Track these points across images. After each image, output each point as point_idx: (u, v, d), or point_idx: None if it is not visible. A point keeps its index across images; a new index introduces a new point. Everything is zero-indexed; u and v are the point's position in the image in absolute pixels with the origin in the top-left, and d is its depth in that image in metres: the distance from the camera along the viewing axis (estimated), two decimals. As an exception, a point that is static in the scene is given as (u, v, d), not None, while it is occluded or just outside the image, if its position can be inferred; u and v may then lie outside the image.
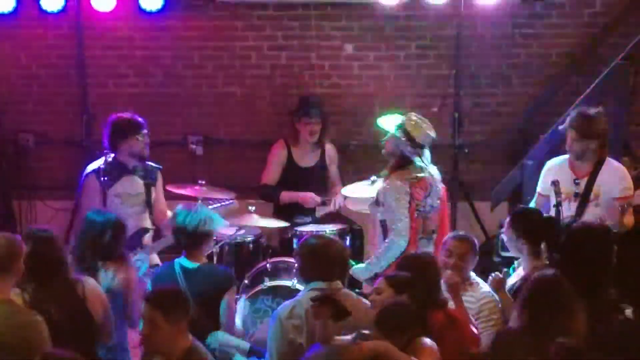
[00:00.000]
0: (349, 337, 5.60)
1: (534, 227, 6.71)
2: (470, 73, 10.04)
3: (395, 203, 7.29)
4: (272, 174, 9.20)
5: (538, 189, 7.85)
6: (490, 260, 8.78)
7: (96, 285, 6.28)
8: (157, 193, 8.08)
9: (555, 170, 7.71)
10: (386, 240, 7.29)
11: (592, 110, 7.63)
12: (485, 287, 6.78)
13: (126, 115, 8.04)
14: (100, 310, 6.18)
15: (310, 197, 8.91)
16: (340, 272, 6.17)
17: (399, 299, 5.80)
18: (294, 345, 5.94)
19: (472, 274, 6.92)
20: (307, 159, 9.14)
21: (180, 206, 6.94)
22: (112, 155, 7.91)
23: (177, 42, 10.15)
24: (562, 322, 5.51)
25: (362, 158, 10.00)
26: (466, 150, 9.78)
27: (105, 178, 7.76)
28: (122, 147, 7.86)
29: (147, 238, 7.92)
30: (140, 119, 8.01)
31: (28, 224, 10.15)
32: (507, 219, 6.86)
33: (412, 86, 10.15)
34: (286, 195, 9.02)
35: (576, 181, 7.58)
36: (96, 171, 7.79)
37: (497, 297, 6.64)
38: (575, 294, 5.64)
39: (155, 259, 7.86)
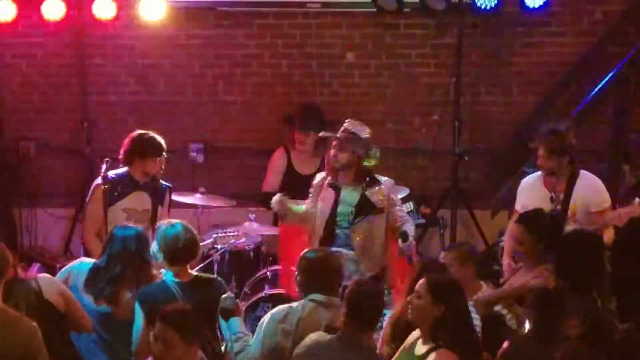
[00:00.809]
0: None
1: (549, 227, 6.71)
2: (470, 81, 10.06)
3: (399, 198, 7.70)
4: (272, 181, 9.23)
5: (516, 207, 7.84)
6: (490, 268, 8.79)
7: (50, 277, 6.38)
8: (163, 212, 8.05)
9: (531, 189, 7.71)
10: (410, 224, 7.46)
11: (562, 125, 7.60)
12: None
13: (150, 134, 7.93)
14: (61, 300, 6.26)
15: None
16: (338, 285, 6.22)
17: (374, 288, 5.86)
18: (278, 348, 6.00)
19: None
20: (307, 166, 9.14)
21: (161, 224, 6.91)
22: (125, 168, 7.85)
23: (177, 50, 10.17)
24: (563, 327, 5.59)
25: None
26: (466, 158, 9.78)
27: (115, 191, 7.71)
28: (138, 164, 7.78)
29: None
30: (162, 142, 7.90)
31: (29, 231, 10.19)
32: (520, 227, 6.83)
33: (412, 94, 10.17)
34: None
35: (552, 198, 7.57)
36: (106, 184, 7.69)
37: None
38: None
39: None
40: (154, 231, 7.72)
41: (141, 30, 9.92)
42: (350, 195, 7.50)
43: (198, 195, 8.62)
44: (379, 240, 7.49)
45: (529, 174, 8.01)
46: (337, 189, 7.53)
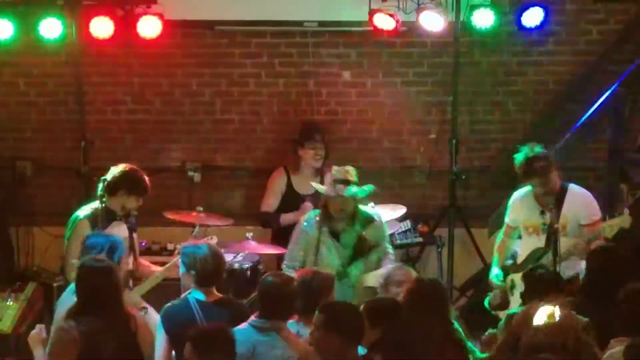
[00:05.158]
0: None
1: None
2: (467, 100, 10.06)
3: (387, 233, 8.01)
4: (271, 201, 9.22)
5: (506, 220, 7.98)
6: (487, 288, 8.78)
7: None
8: (136, 239, 8.02)
9: (521, 203, 7.78)
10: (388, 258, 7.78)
11: (535, 150, 7.64)
12: None
13: (140, 172, 7.82)
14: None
15: (308, 208, 8.81)
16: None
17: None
18: None
19: None
20: (306, 186, 9.11)
21: (187, 246, 6.95)
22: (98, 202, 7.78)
23: (174, 69, 10.17)
24: None
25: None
26: (463, 177, 9.78)
27: (97, 223, 7.66)
28: (121, 198, 7.75)
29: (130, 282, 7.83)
30: (148, 183, 7.85)
31: (26, 250, 10.16)
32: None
33: (409, 113, 10.18)
34: (286, 217, 9.02)
35: (542, 212, 7.63)
36: (88, 217, 7.67)
37: None
38: None
39: (140, 301, 7.77)
40: (135, 259, 7.75)
41: (139, 48, 9.91)
42: (348, 237, 7.68)
43: (195, 214, 8.60)
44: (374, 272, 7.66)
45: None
46: (336, 235, 7.70)
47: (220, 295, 6.78)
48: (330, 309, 5.77)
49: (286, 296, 6.27)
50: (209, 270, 6.69)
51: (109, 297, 5.90)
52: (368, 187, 7.74)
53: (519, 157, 7.69)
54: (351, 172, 7.72)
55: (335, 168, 7.83)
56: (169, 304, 6.69)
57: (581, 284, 6.88)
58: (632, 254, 7.81)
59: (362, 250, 7.68)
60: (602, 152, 9.78)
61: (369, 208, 7.94)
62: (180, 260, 6.88)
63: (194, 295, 6.69)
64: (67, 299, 6.65)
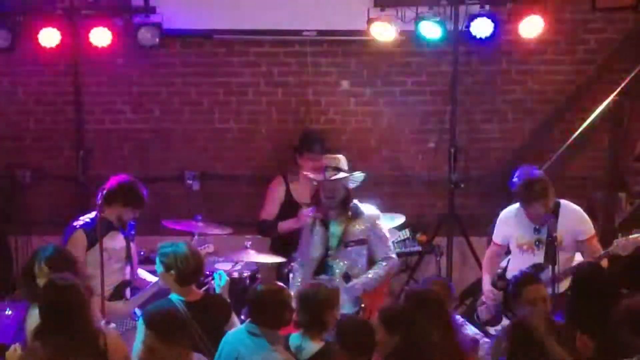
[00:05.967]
0: None
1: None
2: (466, 109, 10.08)
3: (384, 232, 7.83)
4: (270, 210, 9.20)
5: (494, 238, 7.93)
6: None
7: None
8: (134, 247, 7.99)
9: (513, 221, 7.74)
10: (385, 262, 7.74)
11: (531, 172, 7.60)
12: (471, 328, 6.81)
13: (138, 184, 7.75)
14: None
15: (305, 215, 8.80)
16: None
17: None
18: None
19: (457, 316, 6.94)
20: (305, 195, 9.11)
21: (164, 246, 6.91)
22: (95, 212, 7.71)
23: (173, 78, 10.18)
24: None
25: (358, 193, 10.01)
26: (462, 185, 9.79)
27: (93, 233, 7.61)
28: (116, 209, 7.69)
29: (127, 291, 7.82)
30: (146, 195, 7.82)
31: (24, 259, 10.14)
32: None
33: (408, 122, 10.18)
34: (284, 225, 9.00)
35: (536, 228, 7.60)
36: (84, 226, 7.60)
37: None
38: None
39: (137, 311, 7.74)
40: (132, 268, 7.73)
41: (137, 57, 9.93)
42: (337, 229, 7.71)
43: (194, 223, 8.60)
44: (357, 271, 7.69)
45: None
46: (326, 224, 7.76)
47: (201, 293, 6.82)
48: (340, 326, 5.74)
49: (276, 305, 6.27)
50: (189, 269, 6.71)
51: (74, 315, 5.74)
52: (358, 174, 7.79)
53: (516, 182, 7.61)
54: (342, 160, 7.79)
55: (326, 156, 7.95)
56: (152, 306, 6.60)
57: (567, 303, 6.75)
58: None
59: (346, 240, 7.69)
60: (601, 161, 9.79)
61: (368, 206, 7.89)
62: (157, 260, 6.85)
63: (176, 295, 6.69)
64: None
